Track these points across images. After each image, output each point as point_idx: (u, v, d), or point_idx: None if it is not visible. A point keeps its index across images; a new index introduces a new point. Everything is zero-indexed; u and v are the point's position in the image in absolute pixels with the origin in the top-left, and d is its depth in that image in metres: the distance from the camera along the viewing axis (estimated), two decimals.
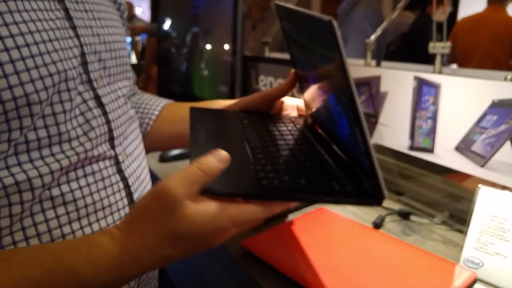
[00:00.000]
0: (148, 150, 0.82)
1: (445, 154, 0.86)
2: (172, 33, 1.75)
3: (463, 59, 2.61)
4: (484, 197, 0.71)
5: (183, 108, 0.79)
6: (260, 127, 0.69)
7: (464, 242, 0.71)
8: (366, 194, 0.46)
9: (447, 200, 0.95)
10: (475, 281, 0.66)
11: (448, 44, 0.93)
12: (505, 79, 0.78)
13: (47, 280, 0.41)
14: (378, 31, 1.13)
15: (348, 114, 0.48)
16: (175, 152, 1.24)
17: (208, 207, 0.44)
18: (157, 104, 0.83)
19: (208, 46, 1.52)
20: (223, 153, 0.46)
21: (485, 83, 0.77)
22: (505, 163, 0.75)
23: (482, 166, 0.78)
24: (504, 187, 0.75)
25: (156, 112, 0.81)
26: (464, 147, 0.82)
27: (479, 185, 0.72)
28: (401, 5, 1.13)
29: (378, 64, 1.14)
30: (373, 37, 1.12)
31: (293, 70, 0.73)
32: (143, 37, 4.18)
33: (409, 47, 2.37)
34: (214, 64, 1.46)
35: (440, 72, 0.92)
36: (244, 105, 0.76)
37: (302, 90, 0.76)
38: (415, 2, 3.79)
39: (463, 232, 0.82)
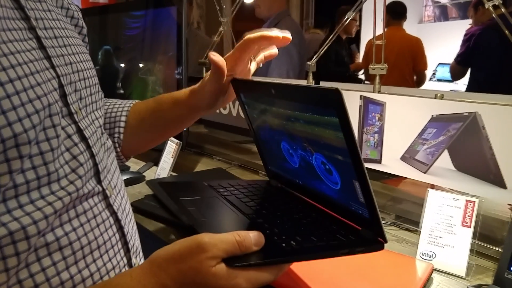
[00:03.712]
0: (129, 154, 0.83)
1: (391, 164, 0.98)
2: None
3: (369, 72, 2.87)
4: (432, 199, 0.83)
5: (146, 112, 0.79)
6: (237, 193, 0.71)
7: (414, 239, 0.82)
8: (367, 240, 0.52)
9: (391, 203, 1.07)
10: (432, 271, 0.78)
11: (385, 65, 1.06)
12: (435, 97, 0.92)
13: None
14: (315, 57, 1.25)
15: (343, 170, 0.53)
16: (125, 176, 1.24)
17: (233, 270, 0.46)
18: (120, 110, 0.81)
19: (122, 65, 1.58)
20: (261, 237, 0.48)
21: (424, 100, 0.91)
22: (444, 168, 0.89)
23: (425, 172, 0.91)
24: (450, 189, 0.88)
25: (123, 119, 0.79)
26: (409, 156, 0.94)
27: (428, 189, 0.84)
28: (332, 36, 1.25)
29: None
30: (314, 59, 1.23)
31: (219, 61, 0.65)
32: None
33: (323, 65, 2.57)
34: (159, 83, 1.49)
35: (379, 91, 1.05)
36: (196, 98, 0.73)
37: (262, 156, 0.79)
38: (324, 21, 4.09)
39: (411, 230, 0.94)
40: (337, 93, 0.46)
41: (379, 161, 1.00)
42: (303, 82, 1.19)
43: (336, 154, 0.53)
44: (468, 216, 0.78)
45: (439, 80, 4.05)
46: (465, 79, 2.62)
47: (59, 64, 0.53)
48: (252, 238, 0.47)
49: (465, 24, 3.27)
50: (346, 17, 1.24)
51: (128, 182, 1.24)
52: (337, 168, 0.54)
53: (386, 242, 0.51)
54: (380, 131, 0.99)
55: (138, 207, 1.04)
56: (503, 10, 0.93)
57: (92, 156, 0.56)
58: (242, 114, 1.45)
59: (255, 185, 0.76)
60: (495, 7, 0.94)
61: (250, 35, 0.64)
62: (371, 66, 1.06)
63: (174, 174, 1.26)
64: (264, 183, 0.78)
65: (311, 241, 0.52)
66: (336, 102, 0.47)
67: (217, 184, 0.75)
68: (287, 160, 0.68)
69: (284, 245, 0.50)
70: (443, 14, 4.60)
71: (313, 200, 0.65)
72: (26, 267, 0.46)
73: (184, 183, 0.81)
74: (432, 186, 0.93)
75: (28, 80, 0.45)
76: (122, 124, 0.79)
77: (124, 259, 0.59)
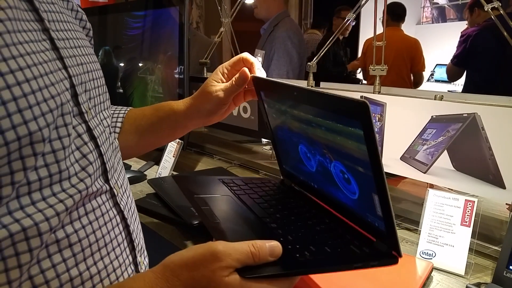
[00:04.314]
0: (124, 159, 0.83)
1: (391, 164, 0.99)
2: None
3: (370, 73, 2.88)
4: (432, 198, 0.84)
5: (143, 119, 0.81)
6: (251, 192, 0.71)
7: (414, 238, 0.83)
8: (381, 253, 0.51)
9: (391, 203, 1.08)
10: (432, 269, 0.79)
11: (385, 66, 1.07)
12: (435, 98, 0.93)
13: None
14: (316, 57, 1.26)
15: (362, 181, 0.52)
16: (126, 175, 1.25)
17: (246, 282, 0.46)
18: (116, 116, 0.82)
19: (121, 64, 1.60)
20: (278, 248, 0.48)
21: (424, 101, 0.92)
22: (444, 168, 0.90)
23: (425, 172, 0.93)
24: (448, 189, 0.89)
25: (119, 125, 0.81)
26: (408, 156, 0.95)
27: (428, 189, 0.85)
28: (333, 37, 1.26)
29: (317, 85, 1.27)
30: (315, 60, 1.24)
31: (248, 74, 0.72)
32: None
33: (321, 66, 2.59)
34: (162, 84, 1.49)
35: (379, 92, 1.06)
36: (199, 113, 0.77)
37: (278, 154, 0.79)
38: (321, 21, 4.11)
39: (411, 230, 0.95)
40: (364, 106, 0.45)
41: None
42: (303, 83, 1.20)
43: (357, 165, 0.52)
44: (468, 215, 0.79)
45: (437, 81, 4.07)
46: (463, 80, 2.64)
47: (71, 64, 0.55)
48: (268, 248, 0.47)
49: (463, 26, 3.29)
50: (346, 19, 1.25)
51: (129, 181, 1.24)
52: (357, 179, 0.54)
53: (400, 256, 0.51)
54: (380, 132, 1.00)
55: (139, 206, 1.05)
56: (501, 11, 0.94)
57: (100, 155, 0.57)
58: (242, 114, 1.46)
59: (268, 184, 0.76)
60: (494, 9, 0.96)
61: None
62: (372, 67, 1.07)
63: (175, 173, 1.27)
64: (277, 182, 0.78)
65: (325, 252, 0.51)
66: (362, 115, 0.46)
67: (231, 181, 0.75)
68: (303, 163, 0.68)
69: (298, 255, 0.49)
70: (441, 16, 4.62)
71: (327, 205, 0.65)
72: (38, 263, 0.46)
73: (198, 178, 0.81)
74: (431, 186, 0.95)
75: (43, 80, 0.46)
76: (117, 129, 0.81)
77: (130, 257, 0.60)
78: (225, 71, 0.76)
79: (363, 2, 1.19)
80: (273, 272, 0.47)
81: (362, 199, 0.54)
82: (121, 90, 1.65)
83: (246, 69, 0.72)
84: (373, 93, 1.06)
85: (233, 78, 0.74)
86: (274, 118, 0.73)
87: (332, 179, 0.60)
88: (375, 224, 0.53)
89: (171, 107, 0.79)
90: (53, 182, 0.48)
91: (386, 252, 0.52)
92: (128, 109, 0.85)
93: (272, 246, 0.48)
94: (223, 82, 0.75)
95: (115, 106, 0.85)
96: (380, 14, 1.18)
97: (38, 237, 0.45)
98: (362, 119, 0.47)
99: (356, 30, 4.16)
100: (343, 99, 0.49)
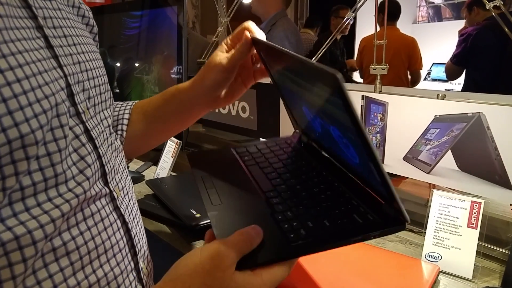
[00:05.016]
0: (132, 155, 0.81)
1: (394, 164, 0.97)
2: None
3: (370, 72, 2.87)
4: (437, 199, 0.83)
5: (150, 105, 0.79)
6: (262, 160, 0.70)
7: (418, 240, 0.82)
8: (388, 220, 0.49)
9: None
10: (439, 273, 0.77)
11: (386, 65, 1.05)
12: (437, 97, 0.91)
13: None
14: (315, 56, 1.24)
15: (357, 148, 0.50)
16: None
17: (247, 275, 0.47)
18: (123, 109, 0.80)
19: (118, 64, 1.58)
20: (258, 228, 0.49)
21: (427, 101, 0.90)
22: (448, 168, 0.88)
23: (429, 172, 0.91)
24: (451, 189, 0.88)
25: (126, 116, 0.79)
26: (411, 157, 0.94)
27: (433, 190, 0.84)
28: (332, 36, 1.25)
29: None
30: (314, 60, 1.22)
31: (248, 35, 0.69)
32: None
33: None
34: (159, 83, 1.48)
35: (380, 91, 1.04)
36: (203, 87, 0.72)
37: (289, 108, 0.76)
38: (314, 21, 4.12)
39: (415, 231, 0.94)
40: (334, 77, 0.41)
41: (381, 161, 0.99)
42: None
43: (349, 132, 0.50)
44: (474, 217, 0.78)
45: (434, 79, 4.07)
46: (459, 79, 2.64)
47: (67, 63, 0.52)
48: (253, 228, 0.49)
49: (459, 25, 3.29)
50: (346, 18, 1.24)
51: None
52: (353, 145, 0.52)
53: (408, 221, 0.48)
54: (383, 131, 0.98)
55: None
56: (503, 9, 0.93)
57: (99, 157, 0.55)
58: (241, 114, 1.44)
59: (283, 145, 0.75)
60: (495, 7, 0.94)
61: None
62: (372, 66, 1.06)
63: (173, 173, 1.24)
64: (293, 141, 0.76)
65: (323, 227, 0.50)
66: (336, 86, 0.43)
67: (244, 150, 0.75)
68: (311, 123, 0.66)
69: (291, 236, 0.49)
70: (437, 15, 4.62)
71: (339, 164, 0.63)
72: (33, 273, 0.44)
73: (212, 152, 0.80)
74: (433, 186, 0.93)
75: (36, 79, 0.44)
76: (125, 121, 0.78)
77: (132, 263, 0.58)
78: (229, 41, 0.72)
79: (362, 1, 1.18)
80: (265, 259, 0.48)
81: (362, 164, 0.52)
82: (117, 90, 1.63)
83: (247, 33, 0.69)
84: (374, 92, 1.04)
85: (236, 45, 0.70)
86: (277, 77, 0.72)
87: (335, 142, 0.58)
88: (379, 188, 0.51)
89: (177, 87, 0.76)
90: (48, 187, 0.45)
91: (392, 217, 0.49)
92: (136, 101, 0.82)
93: (254, 227, 0.49)
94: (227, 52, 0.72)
95: (122, 102, 0.83)
96: (373, 14, 1.17)
97: (32, 246, 0.43)
98: (337, 90, 0.43)
99: (352, 29, 4.15)
100: (315, 68, 0.46)
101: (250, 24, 0.70)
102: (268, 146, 0.76)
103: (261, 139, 1.46)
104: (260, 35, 0.69)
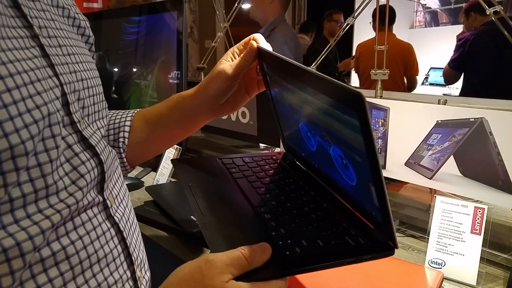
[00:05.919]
0: (133, 163, 0.81)
1: (396, 169, 0.97)
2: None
3: (367, 78, 2.88)
4: (439, 205, 0.82)
5: (153, 112, 0.79)
6: (250, 174, 0.69)
7: (420, 246, 0.81)
8: (378, 245, 0.50)
9: (395, 209, 1.06)
10: (442, 279, 0.77)
11: (387, 71, 1.05)
12: (439, 102, 0.91)
13: None
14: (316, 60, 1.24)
15: (360, 170, 0.50)
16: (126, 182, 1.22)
17: (244, 285, 0.47)
18: (125, 116, 0.80)
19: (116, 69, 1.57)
20: (266, 245, 0.49)
21: (428, 106, 0.90)
22: (450, 174, 0.88)
23: (431, 178, 0.91)
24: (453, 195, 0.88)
25: (128, 123, 0.78)
26: (413, 162, 0.93)
27: (436, 195, 0.83)
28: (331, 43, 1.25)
29: None
30: (314, 65, 1.22)
31: (255, 45, 0.69)
32: None
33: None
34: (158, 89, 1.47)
35: (381, 96, 1.04)
36: (207, 95, 0.72)
37: (280, 128, 0.77)
38: (308, 26, 4.13)
39: (417, 237, 0.93)
40: (360, 98, 0.43)
41: (383, 167, 0.99)
42: None
43: (354, 154, 0.50)
44: (478, 223, 0.77)
45: (431, 84, 4.08)
46: (457, 83, 2.64)
47: (63, 72, 0.52)
48: (259, 248, 0.49)
49: (456, 29, 3.30)
50: (346, 23, 1.24)
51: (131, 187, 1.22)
52: (354, 167, 0.52)
53: (396, 247, 0.49)
54: (384, 137, 0.98)
55: (137, 214, 1.01)
56: (503, 14, 0.93)
57: (100, 163, 0.54)
58: (241, 120, 1.43)
59: (269, 161, 0.75)
60: (495, 12, 0.95)
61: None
62: (373, 71, 1.06)
63: (173, 180, 1.24)
64: (278, 158, 0.76)
65: (317, 247, 0.51)
66: (358, 106, 0.44)
67: (230, 161, 0.74)
68: (304, 141, 0.66)
69: (288, 253, 0.49)
70: (434, 20, 4.64)
71: (327, 185, 0.63)
72: (20, 285, 0.43)
73: (199, 160, 0.80)
74: (435, 192, 0.93)
75: (27, 89, 0.43)
76: (127, 128, 0.77)
77: (128, 272, 0.57)
78: (236, 50, 0.72)
79: (363, 5, 1.18)
80: (266, 275, 0.47)
81: (360, 186, 0.52)
82: (116, 96, 1.63)
83: (253, 42, 0.69)
84: (375, 97, 1.04)
85: (242, 54, 0.70)
86: (276, 91, 0.71)
87: (331, 162, 0.58)
88: (372, 213, 0.52)
89: (181, 95, 0.76)
90: (38, 198, 0.44)
91: (382, 242, 0.50)
92: (137, 110, 0.82)
93: (261, 245, 0.49)
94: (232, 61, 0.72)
95: (123, 110, 0.82)
96: (370, 19, 1.17)
97: (20, 258, 0.42)
98: (358, 110, 0.44)
99: (349, 34, 4.16)
100: (339, 87, 0.47)
101: (258, 36, 0.70)
102: (254, 160, 0.75)
103: (261, 145, 1.45)
104: (267, 47, 0.69)
